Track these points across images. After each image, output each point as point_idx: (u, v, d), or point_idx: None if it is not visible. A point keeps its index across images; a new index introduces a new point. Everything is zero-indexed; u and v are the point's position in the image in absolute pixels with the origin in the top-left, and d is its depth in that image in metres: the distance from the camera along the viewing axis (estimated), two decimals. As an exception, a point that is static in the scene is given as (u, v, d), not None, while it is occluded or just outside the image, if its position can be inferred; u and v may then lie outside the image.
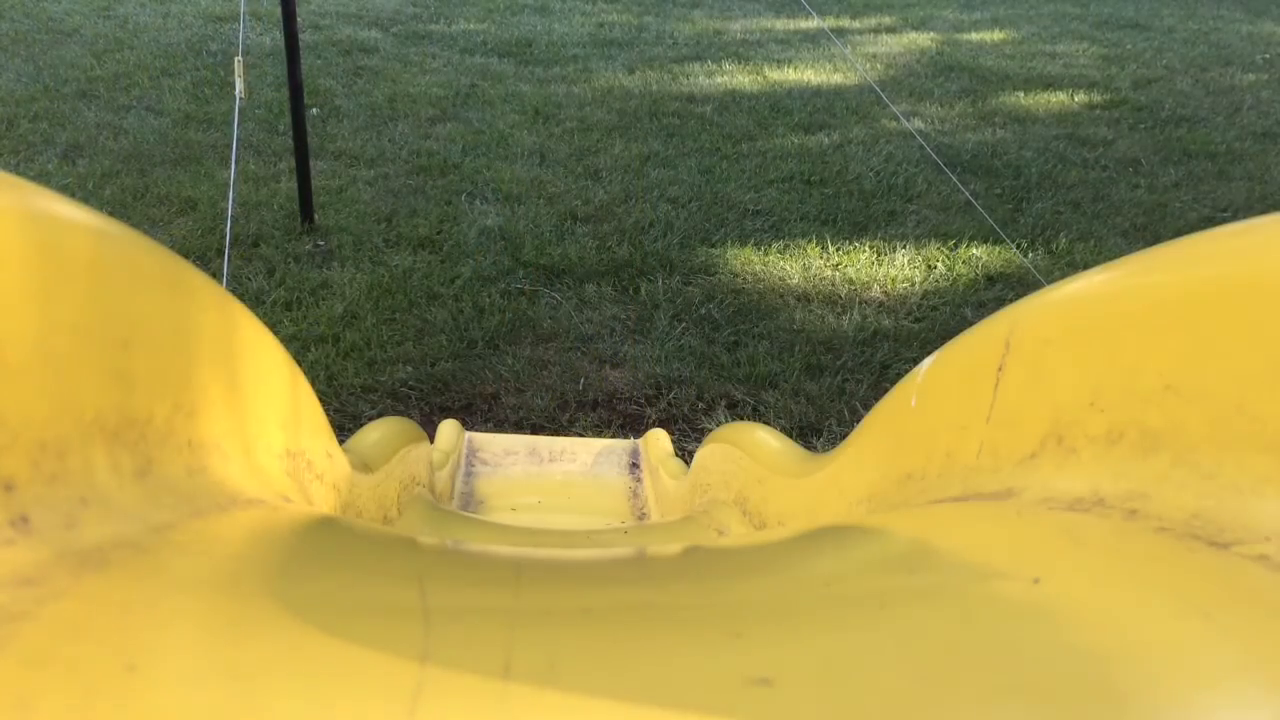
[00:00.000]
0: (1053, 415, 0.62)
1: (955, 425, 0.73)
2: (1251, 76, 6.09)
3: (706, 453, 1.61)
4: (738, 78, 5.83)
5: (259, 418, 0.66)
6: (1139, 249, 0.60)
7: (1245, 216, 0.54)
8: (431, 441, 1.95)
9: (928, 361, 0.82)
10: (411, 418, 2.55)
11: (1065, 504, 0.54)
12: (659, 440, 2.06)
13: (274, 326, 2.97)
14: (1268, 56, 6.58)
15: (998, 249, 3.64)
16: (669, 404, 2.67)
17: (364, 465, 1.12)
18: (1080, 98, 5.58)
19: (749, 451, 1.37)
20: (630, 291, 3.29)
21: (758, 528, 1.20)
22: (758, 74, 5.90)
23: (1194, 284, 0.54)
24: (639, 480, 1.99)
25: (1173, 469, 0.50)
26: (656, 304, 3.20)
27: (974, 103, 5.50)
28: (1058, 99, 5.57)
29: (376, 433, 1.24)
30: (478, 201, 4.03)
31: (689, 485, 1.64)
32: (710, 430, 2.57)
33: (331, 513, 0.85)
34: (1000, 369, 0.69)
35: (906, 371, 0.85)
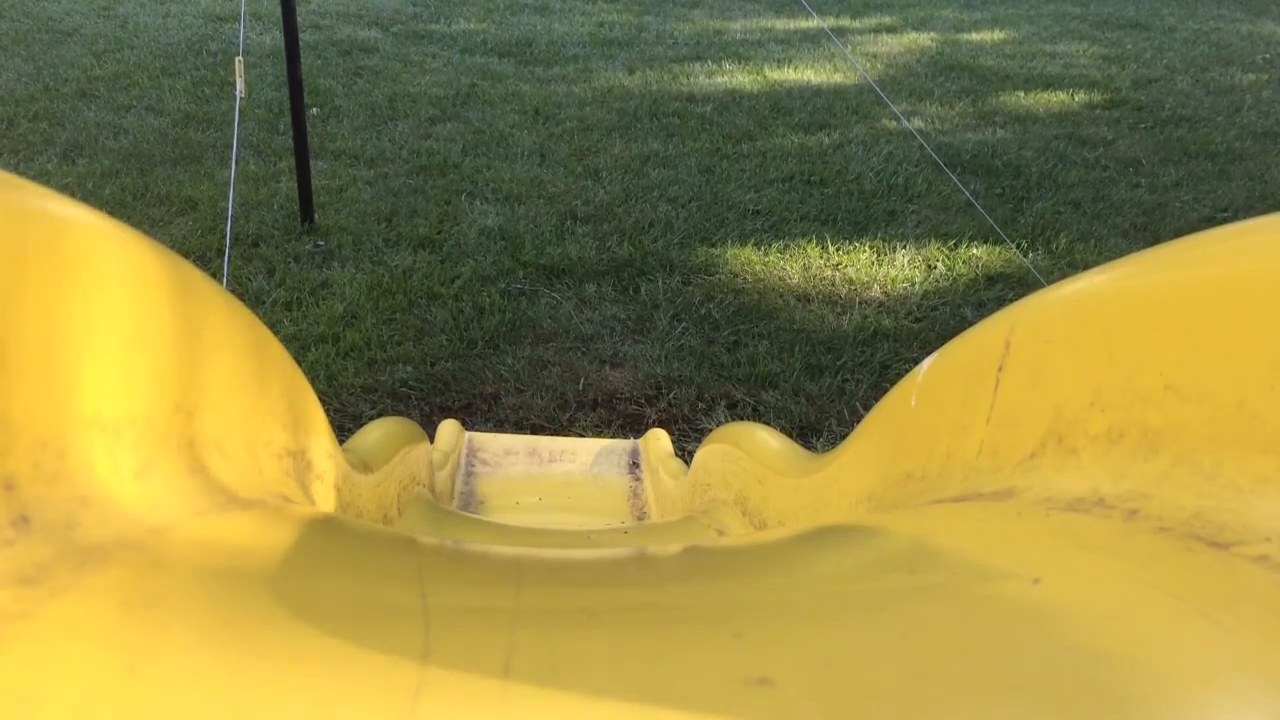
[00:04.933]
0: (1053, 415, 0.62)
1: (955, 425, 0.73)
2: (1252, 76, 6.09)
3: (706, 453, 1.61)
4: (738, 77, 5.83)
5: (259, 417, 0.66)
6: (1139, 249, 0.60)
7: (1246, 216, 0.54)
8: (431, 441, 1.95)
9: (928, 361, 0.82)
10: (411, 418, 2.55)
11: (1065, 504, 0.54)
12: (659, 440, 2.06)
13: (274, 326, 2.97)
14: (1268, 56, 6.58)
15: (998, 249, 3.64)
16: (669, 404, 2.67)
17: (364, 465, 1.12)
18: (1080, 97, 5.58)
19: (749, 451, 1.37)
20: (630, 291, 3.29)
21: (758, 528, 1.20)
22: (758, 74, 5.90)
23: (1194, 284, 0.54)
24: (639, 480, 1.99)
25: (1173, 469, 0.50)
26: (656, 304, 3.20)
27: (974, 102, 5.50)
28: (1058, 99, 5.57)
29: (377, 432, 1.24)
30: (478, 201, 4.03)
31: (689, 485, 1.64)
32: (710, 430, 2.57)
33: (332, 513, 0.85)
34: (1000, 369, 0.69)
35: (906, 371, 0.85)
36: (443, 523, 1.32)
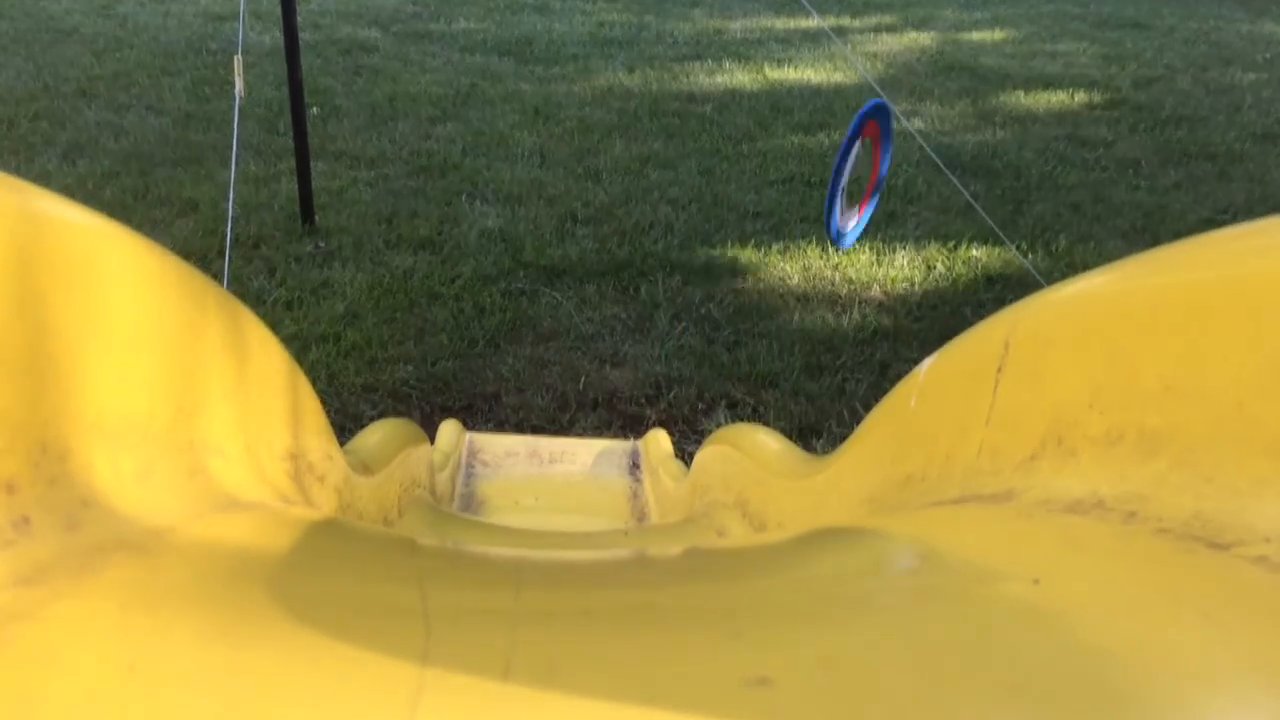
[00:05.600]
0: (1052, 416, 0.62)
1: (955, 426, 0.73)
2: (1252, 76, 6.09)
3: (707, 454, 1.61)
4: (738, 77, 5.83)
5: (260, 419, 0.66)
6: (1139, 251, 0.61)
7: (1246, 218, 0.54)
8: (432, 442, 1.95)
9: (927, 362, 0.82)
10: (412, 418, 2.55)
11: (1065, 506, 0.54)
12: (659, 441, 2.06)
13: (275, 326, 2.96)
14: (1268, 56, 6.58)
15: (997, 250, 3.64)
16: (669, 404, 2.67)
17: (364, 467, 1.12)
18: (1080, 97, 5.58)
19: (749, 453, 1.37)
20: (630, 291, 3.29)
21: (758, 529, 1.20)
22: (758, 73, 5.90)
23: (1193, 286, 0.54)
24: (639, 481, 1.99)
25: (1172, 471, 0.50)
26: (656, 304, 3.20)
27: (974, 102, 5.50)
28: (1058, 99, 5.57)
29: (377, 434, 1.24)
30: (478, 202, 4.03)
31: (689, 487, 1.64)
32: (710, 431, 2.57)
33: (332, 515, 0.85)
34: (1000, 370, 0.68)
35: (906, 371, 0.85)
36: (443, 525, 1.32)
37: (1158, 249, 0.59)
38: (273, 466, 0.66)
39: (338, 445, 0.93)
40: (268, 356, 0.71)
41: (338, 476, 0.91)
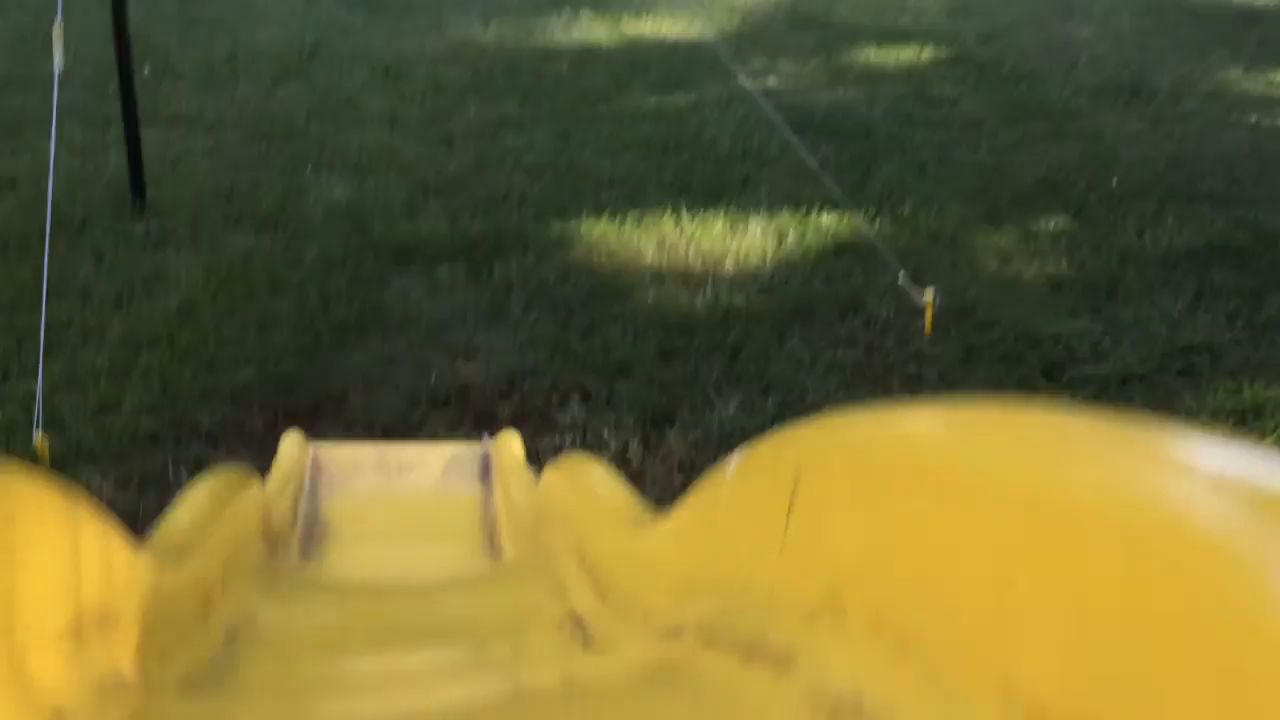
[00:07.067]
0: (832, 573, 0.64)
1: (755, 542, 0.75)
2: (1088, 30, 6.33)
3: (549, 481, 1.62)
4: (595, 31, 5.74)
5: (25, 612, 0.63)
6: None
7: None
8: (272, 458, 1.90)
9: (735, 459, 0.83)
10: (254, 425, 2.47)
11: (832, 701, 0.56)
12: (510, 446, 2.06)
13: (101, 328, 2.81)
14: (1105, 7, 6.84)
15: (846, 217, 3.72)
16: (522, 398, 2.66)
17: (178, 551, 1.08)
18: (928, 54, 5.70)
19: (584, 495, 1.39)
20: (483, 274, 3.24)
21: (596, 586, 1.21)
22: (614, 27, 5.82)
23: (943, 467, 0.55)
24: (491, 492, 1.98)
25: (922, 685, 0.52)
26: (510, 287, 3.16)
27: (827, 59, 5.56)
28: (906, 55, 5.67)
29: (190, 507, 1.20)
30: (324, 172, 3.89)
31: (535, 509, 1.65)
32: (564, 424, 2.59)
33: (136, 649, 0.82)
34: (791, 504, 0.70)
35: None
36: (274, 593, 1.29)
37: (920, 407, 0.61)
38: (48, 664, 0.63)
39: (131, 547, 0.89)
40: (34, 527, 0.67)
41: (137, 593, 0.88)
